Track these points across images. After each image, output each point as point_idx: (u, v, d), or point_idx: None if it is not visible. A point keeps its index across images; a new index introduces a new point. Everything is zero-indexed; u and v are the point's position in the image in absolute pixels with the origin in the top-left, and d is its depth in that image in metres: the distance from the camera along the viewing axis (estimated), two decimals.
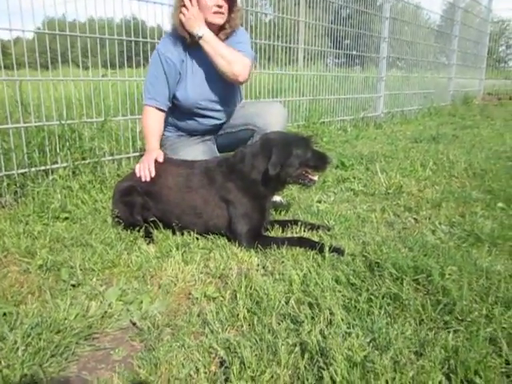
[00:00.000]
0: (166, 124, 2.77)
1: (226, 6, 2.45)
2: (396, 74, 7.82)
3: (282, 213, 2.62)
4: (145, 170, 2.34)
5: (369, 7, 6.59)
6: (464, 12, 10.03)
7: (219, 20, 2.46)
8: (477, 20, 11.39)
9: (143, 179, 2.33)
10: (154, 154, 2.42)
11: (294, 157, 2.14)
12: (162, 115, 2.58)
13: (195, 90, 2.60)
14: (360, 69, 6.95)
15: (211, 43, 2.43)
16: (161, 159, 2.40)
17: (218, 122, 2.74)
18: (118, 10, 3.35)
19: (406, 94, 7.92)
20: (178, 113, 2.70)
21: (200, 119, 2.71)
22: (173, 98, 2.63)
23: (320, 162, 2.22)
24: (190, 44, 2.50)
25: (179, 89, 2.60)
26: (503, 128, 6.39)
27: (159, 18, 3.65)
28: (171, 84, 2.55)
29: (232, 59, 2.44)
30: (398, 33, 7.37)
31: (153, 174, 2.33)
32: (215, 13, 2.43)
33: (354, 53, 6.54)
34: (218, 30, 2.53)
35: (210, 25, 2.46)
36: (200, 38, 2.42)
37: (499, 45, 15.63)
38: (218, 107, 2.66)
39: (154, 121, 2.56)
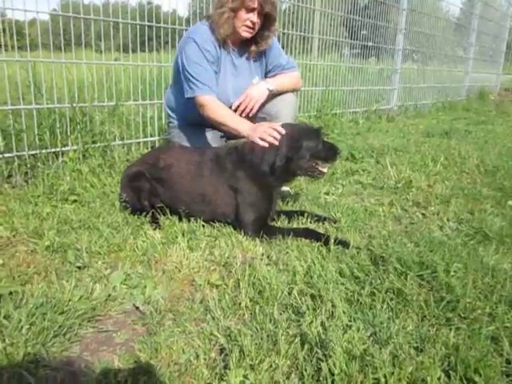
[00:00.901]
0: (176, 114, 2.77)
1: (259, 23, 2.44)
2: (411, 66, 7.70)
3: (289, 203, 2.62)
4: (271, 131, 2.12)
5: None
6: (484, 5, 9.82)
7: (246, 34, 2.47)
8: (497, 14, 11.14)
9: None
10: (259, 125, 2.23)
11: (305, 149, 2.14)
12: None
13: (224, 88, 2.59)
14: (375, 60, 6.85)
15: (276, 89, 2.60)
16: (279, 127, 2.15)
17: None
18: None
19: (421, 88, 7.80)
20: (192, 106, 2.69)
21: None
22: None
23: (330, 153, 2.22)
24: (223, 44, 2.52)
25: None
26: None
27: (174, 3, 3.55)
28: (215, 73, 2.52)
29: (293, 84, 2.75)
30: (415, 24, 7.24)
31: (283, 131, 2.12)
32: (246, 26, 2.43)
33: (370, 44, 6.45)
34: (243, 41, 2.53)
35: (236, 34, 2.46)
36: (271, 91, 2.57)
37: None
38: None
39: (224, 107, 2.45)
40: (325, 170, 2.25)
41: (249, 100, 2.51)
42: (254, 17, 2.40)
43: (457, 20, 9.36)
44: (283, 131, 2.12)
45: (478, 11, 9.41)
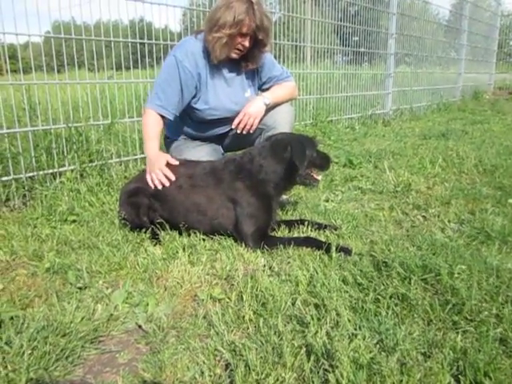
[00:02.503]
0: (172, 128, 2.77)
1: (249, 47, 2.46)
2: (404, 70, 7.73)
3: (289, 212, 2.61)
4: (160, 176, 2.29)
5: (376, 3, 6.53)
6: (473, 6, 9.90)
7: (235, 56, 2.48)
8: (486, 14, 11.23)
9: (160, 186, 2.29)
10: (163, 158, 2.36)
11: (307, 157, 2.18)
12: (162, 121, 2.51)
13: (218, 102, 2.59)
14: (368, 66, 6.89)
15: (273, 102, 2.63)
16: (173, 161, 2.35)
17: (228, 129, 2.75)
18: (125, 13, 3.34)
19: (415, 91, 7.83)
20: (187, 120, 2.69)
21: (212, 127, 2.72)
22: (188, 109, 2.61)
23: (324, 161, 2.31)
24: (217, 62, 2.50)
25: (199, 102, 2.58)
26: None
27: (165, 19, 3.57)
28: (185, 96, 2.51)
29: (289, 94, 2.78)
30: (406, 28, 7.29)
31: (172, 178, 2.28)
32: (237, 49, 2.45)
33: (362, 50, 6.48)
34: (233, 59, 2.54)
35: (227, 56, 2.47)
36: (267, 105, 2.61)
37: (510, 38, 15.35)
38: (233, 116, 2.65)
39: (156, 126, 2.48)
40: (319, 178, 2.32)
41: (248, 118, 2.53)
42: (246, 42, 2.41)
43: (447, 22, 9.43)
44: (172, 178, 2.28)
45: (468, 12, 9.48)
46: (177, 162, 2.36)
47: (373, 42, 6.66)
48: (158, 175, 2.30)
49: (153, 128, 2.47)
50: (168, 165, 2.36)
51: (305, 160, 2.13)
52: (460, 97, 9.61)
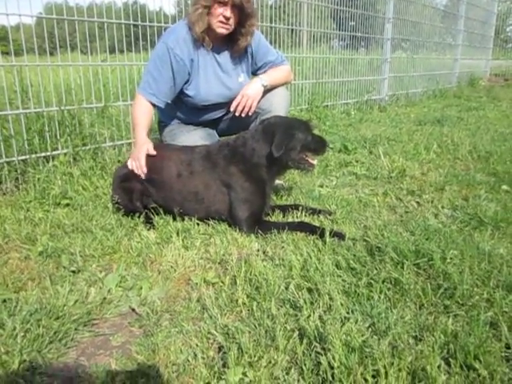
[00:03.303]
0: (166, 113, 2.75)
1: (233, 19, 2.40)
2: (401, 55, 7.68)
3: (284, 197, 2.61)
4: (135, 166, 2.32)
5: None
6: None
7: (221, 30, 2.41)
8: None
9: (138, 175, 2.30)
10: (144, 147, 2.33)
11: (296, 140, 2.16)
12: (152, 109, 2.51)
13: (208, 88, 2.57)
14: (365, 51, 6.84)
15: (270, 84, 2.63)
16: (152, 151, 2.32)
17: (222, 114, 2.73)
18: None
19: (411, 76, 7.79)
20: (181, 105, 2.66)
21: (205, 113, 2.70)
22: (181, 95, 2.58)
23: (319, 145, 2.26)
24: (202, 43, 2.47)
25: (190, 87, 2.55)
26: (509, 109, 6.30)
27: (159, 1, 3.51)
28: (178, 82, 2.48)
29: (285, 78, 2.77)
30: (403, 13, 7.22)
31: (144, 170, 2.29)
32: (220, 22, 2.38)
33: (359, 34, 6.42)
34: (224, 38, 2.49)
35: (213, 31, 2.42)
36: (265, 86, 2.60)
37: (507, 25, 15.27)
38: (227, 101, 2.62)
39: (147, 114, 2.46)
40: (314, 162, 2.28)
41: (246, 99, 2.52)
42: (226, 11, 2.34)
43: (444, 7, 9.34)
44: (145, 169, 2.28)
45: None
46: (153, 153, 2.32)
47: (369, 27, 6.59)
48: (136, 163, 2.32)
49: (142, 115, 2.45)
50: (162, 149, 2.35)
51: (281, 146, 2.08)
52: (456, 83, 9.58)
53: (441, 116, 5.46)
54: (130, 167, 2.34)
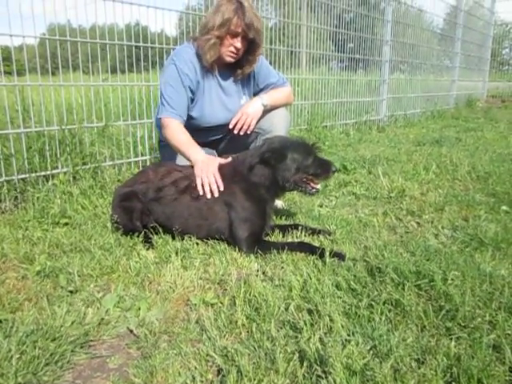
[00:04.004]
0: None
1: (242, 49, 2.47)
2: (399, 77, 7.78)
3: (283, 217, 2.60)
4: (212, 181, 2.17)
5: (371, 11, 6.58)
6: (467, 15, 9.99)
7: (230, 59, 2.49)
8: (480, 23, 11.34)
9: (210, 195, 2.16)
10: (215, 161, 2.27)
11: (290, 160, 2.12)
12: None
13: (212, 111, 2.61)
14: (363, 72, 6.92)
15: (270, 104, 2.64)
16: (224, 160, 2.28)
17: (222, 135, 2.75)
18: (120, 17, 3.33)
19: (409, 97, 7.88)
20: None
21: (207, 133, 2.72)
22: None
23: (321, 169, 2.18)
24: (210, 69, 2.53)
25: (195, 108, 2.59)
26: (507, 130, 6.35)
27: (161, 23, 3.57)
28: (189, 99, 2.53)
29: (286, 98, 2.79)
30: (400, 36, 7.35)
31: (221, 185, 2.17)
32: (230, 52, 2.46)
33: (358, 56, 6.51)
34: (229, 64, 2.54)
35: (221, 59, 2.48)
36: (265, 106, 2.62)
37: (503, 47, 15.52)
38: (228, 124, 2.64)
39: (185, 133, 2.44)
40: (318, 187, 2.22)
41: (245, 118, 2.54)
42: (237, 43, 2.42)
43: (441, 30, 9.50)
44: (221, 185, 2.17)
45: (462, 21, 9.57)
46: (229, 159, 2.29)
47: (368, 49, 6.70)
48: (210, 179, 2.18)
49: (184, 134, 2.43)
50: (161, 169, 2.35)
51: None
52: (454, 104, 9.68)
53: (439, 137, 5.49)
54: (200, 187, 2.18)
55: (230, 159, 2.32)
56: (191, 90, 2.52)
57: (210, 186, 2.17)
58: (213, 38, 2.38)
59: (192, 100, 2.56)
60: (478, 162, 3.89)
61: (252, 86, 2.72)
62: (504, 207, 2.64)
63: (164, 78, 2.52)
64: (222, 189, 2.17)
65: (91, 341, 1.43)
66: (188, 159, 2.38)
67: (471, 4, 10.68)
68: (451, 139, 5.41)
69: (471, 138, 5.66)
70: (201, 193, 2.17)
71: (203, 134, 2.70)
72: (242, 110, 2.55)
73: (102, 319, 1.53)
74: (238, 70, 2.59)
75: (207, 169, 2.21)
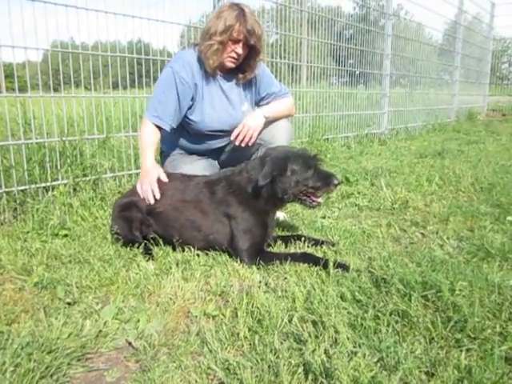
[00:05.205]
0: (168, 142, 2.75)
1: (243, 55, 2.48)
2: (399, 91, 7.81)
3: (285, 228, 2.57)
4: (148, 193, 2.26)
5: (371, 26, 6.63)
6: (466, 30, 10.08)
7: (230, 64, 2.50)
8: (479, 38, 11.44)
9: (148, 202, 2.25)
10: (155, 172, 2.33)
11: (290, 172, 2.06)
12: (159, 132, 2.51)
13: (213, 114, 2.59)
14: (364, 87, 6.95)
15: (272, 116, 2.63)
16: (164, 178, 2.31)
17: (224, 143, 2.73)
18: (123, 34, 3.35)
19: (410, 111, 7.89)
20: (184, 133, 2.67)
21: (208, 140, 2.69)
22: (185, 121, 2.60)
23: (322, 182, 2.09)
24: (212, 71, 2.52)
25: (194, 112, 2.58)
26: (509, 143, 6.33)
27: (163, 38, 3.59)
28: (182, 105, 2.51)
29: (287, 110, 2.79)
30: (400, 50, 7.39)
31: (158, 196, 2.24)
32: (231, 57, 2.47)
33: (358, 70, 6.54)
34: (231, 69, 2.55)
35: (222, 64, 2.49)
36: (267, 118, 2.60)
37: (502, 62, 15.64)
38: (230, 130, 2.61)
39: (152, 136, 2.47)
40: (319, 200, 2.14)
41: (247, 130, 2.51)
42: (238, 48, 2.43)
43: (440, 45, 9.57)
44: (158, 195, 2.24)
45: (461, 35, 9.65)
46: (166, 179, 2.31)
47: (368, 64, 6.72)
48: (147, 190, 2.27)
49: (148, 137, 2.46)
50: (161, 180, 2.33)
51: (266, 176, 2.00)
52: (454, 118, 9.70)
53: (441, 149, 5.47)
54: (139, 191, 2.29)
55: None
56: (186, 93, 2.50)
57: (145, 194, 2.27)
58: (215, 44, 2.39)
59: (191, 104, 2.55)
60: (481, 174, 3.86)
61: (254, 92, 2.71)
62: (509, 218, 2.60)
63: (159, 80, 2.54)
64: (158, 197, 2.24)
65: (88, 353, 1.39)
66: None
67: (470, 19, 10.79)
68: (453, 151, 5.39)
69: (473, 150, 5.65)
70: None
71: (205, 140, 2.68)
72: (244, 121, 2.54)
73: (100, 331, 1.49)
74: (239, 74, 2.59)
75: (144, 178, 2.32)
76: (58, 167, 2.97)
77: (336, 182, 2.10)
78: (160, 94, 2.48)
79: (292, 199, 2.15)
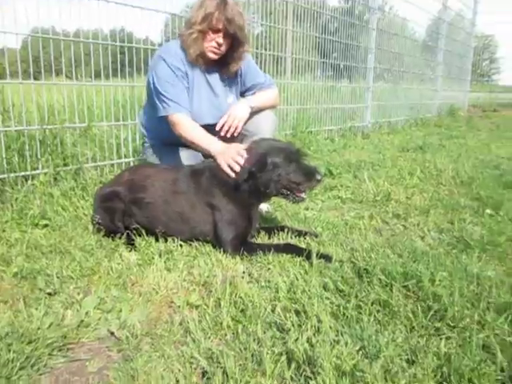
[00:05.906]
0: (151, 133, 2.72)
1: (225, 45, 2.44)
2: (383, 85, 7.86)
3: (269, 220, 2.57)
4: (236, 159, 2.08)
5: (356, 19, 6.65)
6: (449, 26, 10.19)
7: (212, 55, 2.47)
8: (461, 34, 11.57)
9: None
10: (234, 146, 2.17)
11: (271, 166, 2.02)
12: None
13: (200, 106, 2.57)
14: (348, 81, 6.97)
15: (257, 106, 2.60)
16: (242, 150, 2.13)
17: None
18: (104, 20, 3.27)
19: (393, 105, 7.96)
20: (165, 123, 2.63)
21: None
22: None
23: (304, 177, 2.04)
24: (196, 64, 2.50)
25: None
26: (489, 138, 6.46)
27: (147, 27, 3.53)
28: (187, 89, 2.50)
29: (272, 101, 2.76)
30: (384, 45, 7.43)
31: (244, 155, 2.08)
32: (212, 47, 2.43)
33: (342, 63, 6.55)
34: (215, 61, 2.52)
35: (205, 55, 2.46)
36: (252, 108, 2.57)
37: (483, 59, 15.88)
38: (215, 121, 2.59)
39: (198, 126, 2.39)
40: (303, 195, 2.09)
41: (232, 120, 2.49)
42: (219, 38, 2.40)
43: (423, 41, 9.66)
44: (245, 155, 2.08)
45: (444, 31, 9.75)
46: (244, 152, 2.11)
47: (352, 58, 6.74)
48: (235, 158, 2.09)
49: (196, 128, 2.39)
50: (144, 170, 2.31)
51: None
52: (436, 113, 9.82)
53: (423, 143, 5.53)
54: (228, 171, 2.09)
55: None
56: (185, 80, 2.48)
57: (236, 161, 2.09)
58: (195, 33, 2.37)
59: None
60: (462, 168, 3.92)
61: (239, 85, 2.70)
62: (488, 210, 2.65)
63: (157, 76, 2.45)
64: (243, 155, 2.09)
65: (70, 344, 1.37)
66: (206, 152, 2.34)
67: (453, 16, 10.90)
68: (435, 146, 5.47)
69: (454, 145, 5.74)
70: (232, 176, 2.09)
71: None
72: (229, 112, 2.52)
73: (82, 321, 1.47)
74: (224, 67, 2.57)
75: (226, 155, 2.14)
76: (38, 156, 2.90)
77: (319, 177, 2.05)
78: (169, 88, 2.41)
79: (275, 193, 2.12)
